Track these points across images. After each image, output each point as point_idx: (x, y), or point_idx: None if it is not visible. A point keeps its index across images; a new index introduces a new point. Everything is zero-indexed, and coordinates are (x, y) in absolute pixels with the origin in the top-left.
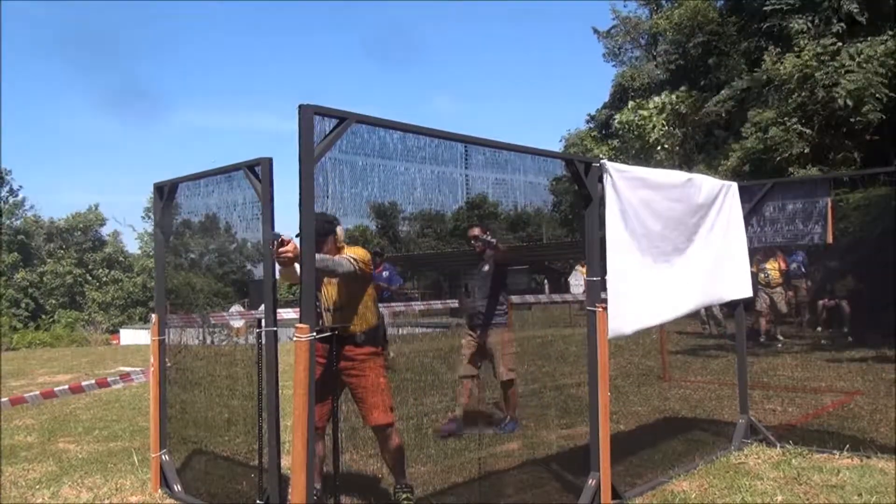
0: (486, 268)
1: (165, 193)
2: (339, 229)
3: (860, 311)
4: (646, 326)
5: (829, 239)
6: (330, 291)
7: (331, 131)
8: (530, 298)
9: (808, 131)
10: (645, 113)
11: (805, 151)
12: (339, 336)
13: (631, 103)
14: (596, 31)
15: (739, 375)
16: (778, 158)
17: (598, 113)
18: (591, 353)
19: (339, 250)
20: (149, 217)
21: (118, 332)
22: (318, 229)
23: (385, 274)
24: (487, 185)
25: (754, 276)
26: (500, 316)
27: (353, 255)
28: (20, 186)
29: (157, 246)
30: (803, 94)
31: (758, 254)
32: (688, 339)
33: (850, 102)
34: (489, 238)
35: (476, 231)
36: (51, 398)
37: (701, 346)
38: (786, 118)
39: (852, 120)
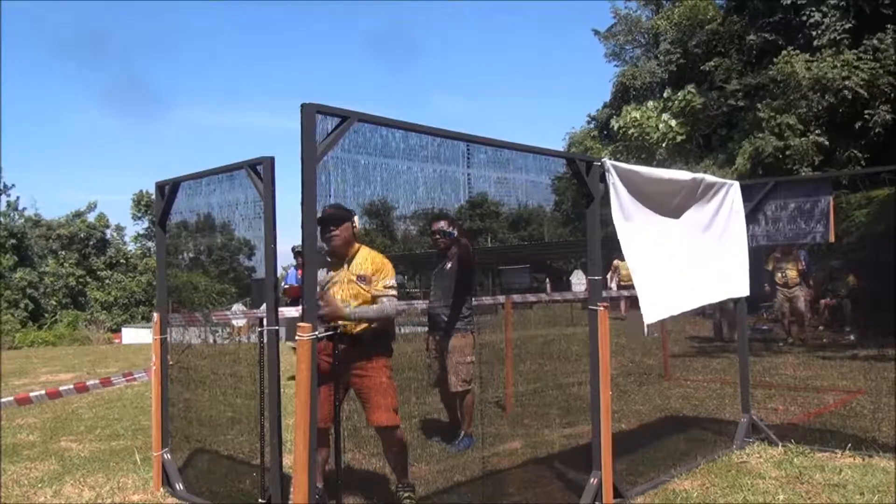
0: (450, 265)
1: (167, 192)
2: (355, 219)
3: (862, 310)
4: (675, 312)
5: (832, 238)
6: (336, 291)
7: (333, 130)
8: (531, 297)
9: (825, 142)
10: (641, 115)
11: (818, 161)
12: (343, 336)
13: (626, 107)
14: (597, 32)
15: (741, 374)
16: (795, 167)
17: (599, 113)
18: (593, 352)
19: (354, 237)
20: (138, 218)
21: (120, 330)
22: (336, 214)
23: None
24: (489, 184)
25: (771, 275)
26: (461, 321)
27: (389, 280)
28: (13, 185)
29: (159, 245)
30: (818, 95)
31: (775, 252)
32: (689, 338)
33: (862, 92)
34: (449, 229)
35: (441, 224)
36: (56, 398)
37: (702, 345)
38: (803, 125)
39: (866, 115)
